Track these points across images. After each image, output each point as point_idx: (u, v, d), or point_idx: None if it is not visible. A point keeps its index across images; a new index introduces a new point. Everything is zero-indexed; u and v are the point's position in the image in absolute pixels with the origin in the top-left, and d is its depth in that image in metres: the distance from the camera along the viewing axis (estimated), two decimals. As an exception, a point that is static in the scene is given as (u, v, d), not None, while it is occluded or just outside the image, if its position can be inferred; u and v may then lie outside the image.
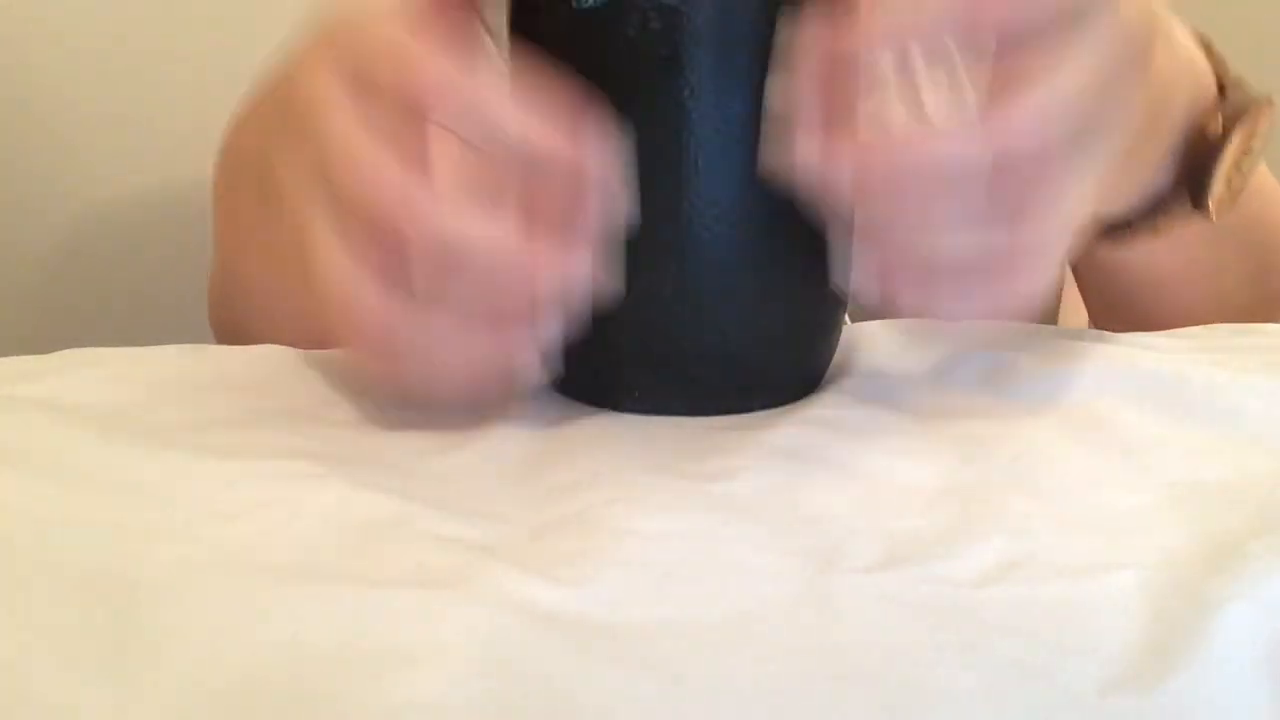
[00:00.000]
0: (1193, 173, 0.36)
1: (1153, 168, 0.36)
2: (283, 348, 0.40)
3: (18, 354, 0.39)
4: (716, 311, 0.32)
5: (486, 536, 0.24)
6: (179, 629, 0.20)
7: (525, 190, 0.27)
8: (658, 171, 0.30)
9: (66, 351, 0.40)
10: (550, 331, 0.29)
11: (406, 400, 0.31)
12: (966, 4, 0.26)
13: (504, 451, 0.30)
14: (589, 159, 0.27)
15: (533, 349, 0.29)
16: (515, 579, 0.22)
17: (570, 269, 0.28)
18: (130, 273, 1.19)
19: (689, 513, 0.26)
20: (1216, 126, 0.36)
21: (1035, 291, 0.28)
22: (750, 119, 0.30)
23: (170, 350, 0.39)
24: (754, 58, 0.29)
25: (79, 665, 0.19)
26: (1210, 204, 0.36)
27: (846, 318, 0.36)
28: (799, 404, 0.34)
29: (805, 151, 0.27)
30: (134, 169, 1.17)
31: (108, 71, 1.15)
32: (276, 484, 0.27)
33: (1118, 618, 0.21)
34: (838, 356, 0.36)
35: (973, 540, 0.24)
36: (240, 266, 0.49)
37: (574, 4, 0.29)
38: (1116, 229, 0.38)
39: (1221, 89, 0.38)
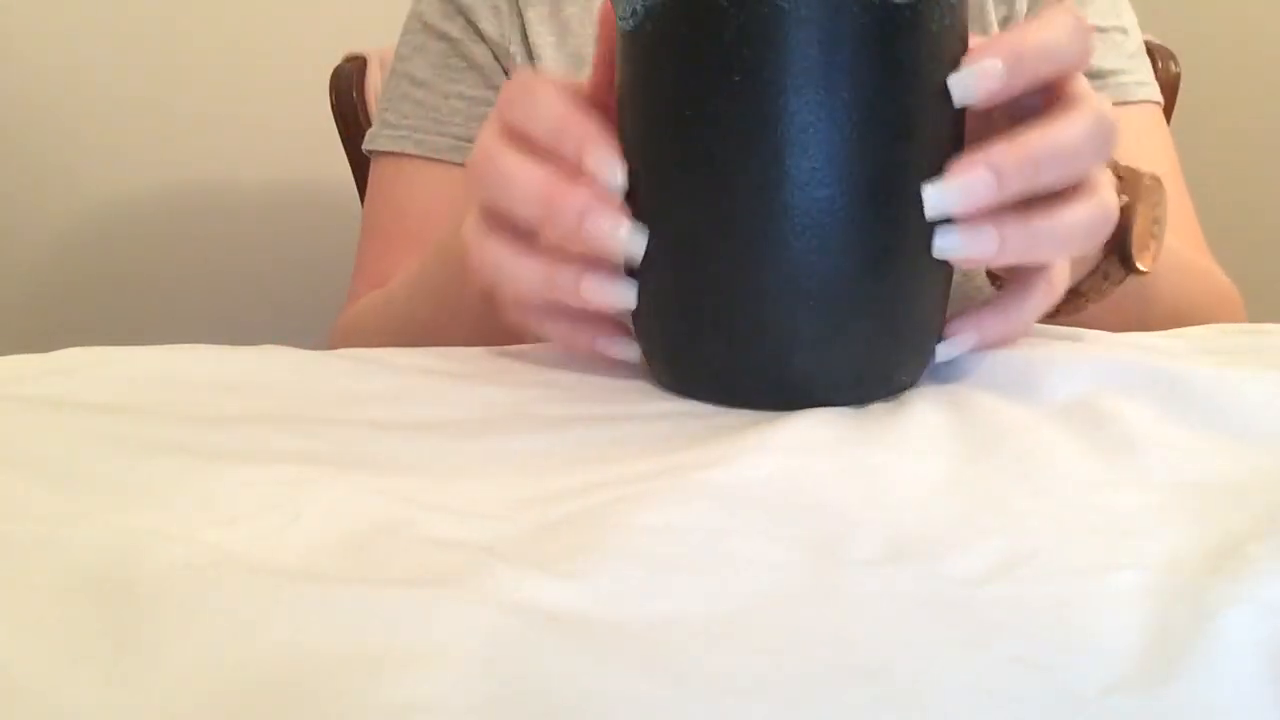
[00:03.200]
0: (1116, 240, 0.44)
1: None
2: (284, 348, 0.40)
3: (19, 353, 0.39)
4: (814, 299, 0.34)
5: (487, 535, 0.24)
6: (180, 629, 0.20)
7: None
8: (753, 163, 0.33)
9: (68, 350, 0.40)
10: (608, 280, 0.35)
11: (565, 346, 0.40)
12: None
13: (508, 452, 0.30)
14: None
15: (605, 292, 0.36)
16: (516, 577, 0.22)
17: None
18: (132, 273, 1.20)
19: (691, 506, 0.26)
20: (1121, 200, 0.43)
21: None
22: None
23: (172, 350, 0.39)
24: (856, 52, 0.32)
25: (79, 665, 0.19)
26: (1141, 261, 0.45)
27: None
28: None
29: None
30: (136, 169, 1.17)
31: (109, 72, 1.15)
32: (278, 485, 0.27)
33: (1119, 617, 0.21)
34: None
35: (975, 538, 0.24)
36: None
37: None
38: (1071, 296, 0.45)
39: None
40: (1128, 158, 0.46)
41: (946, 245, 0.33)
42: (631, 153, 0.35)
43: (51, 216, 1.17)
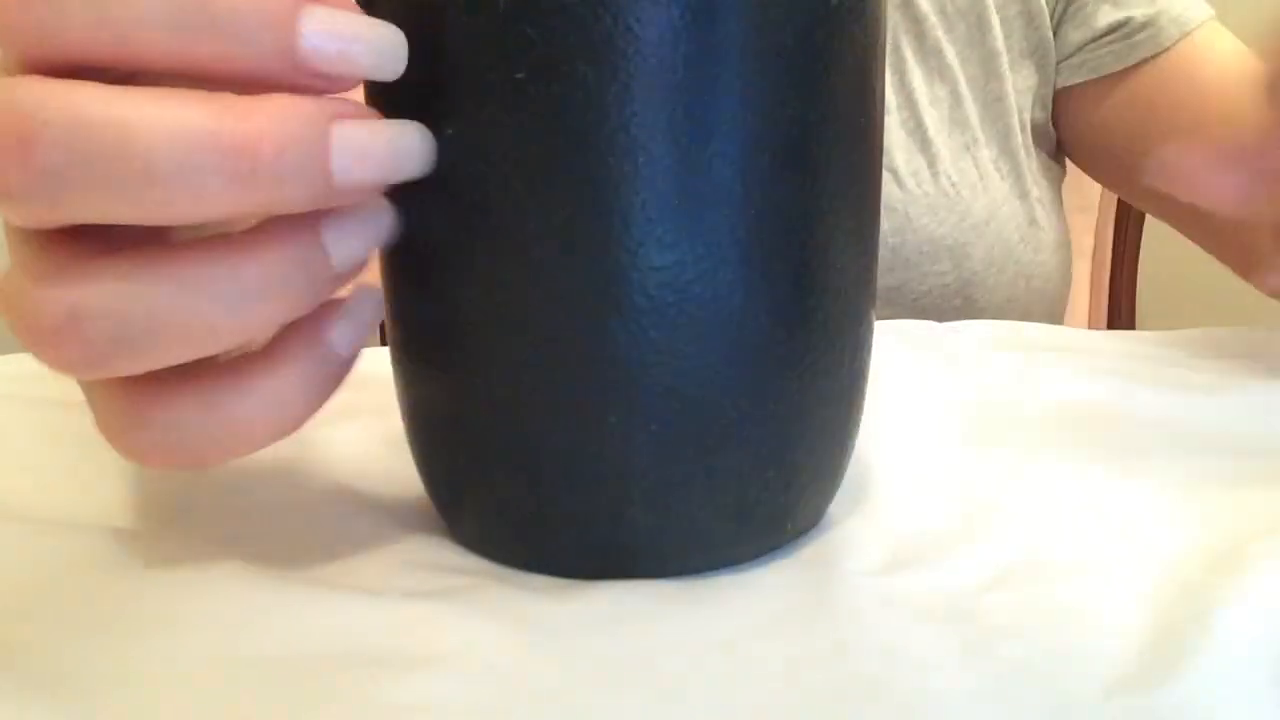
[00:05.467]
0: None
1: None
2: None
3: (21, 351, 0.39)
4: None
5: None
6: (186, 628, 0.20)
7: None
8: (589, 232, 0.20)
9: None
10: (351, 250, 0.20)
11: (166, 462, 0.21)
12: None
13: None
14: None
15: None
16: (515, 595, 0.22)
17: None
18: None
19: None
20: None
21: None
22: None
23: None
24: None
25: (92, 663, 0.19)
26: None
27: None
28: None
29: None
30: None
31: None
32: (285, 488, 0.27)
33: (1121, 619, 0.21)
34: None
35: (975, 543, 0.24)
36: None
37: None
38: None
39: None
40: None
41: None
42: None
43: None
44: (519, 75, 0.20)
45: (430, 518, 0.25)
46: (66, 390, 0.35)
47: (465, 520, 0.24)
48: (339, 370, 0.21)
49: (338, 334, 0.21)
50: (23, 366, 0.38)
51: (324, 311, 0.21)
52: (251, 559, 0.23)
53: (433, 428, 0.22)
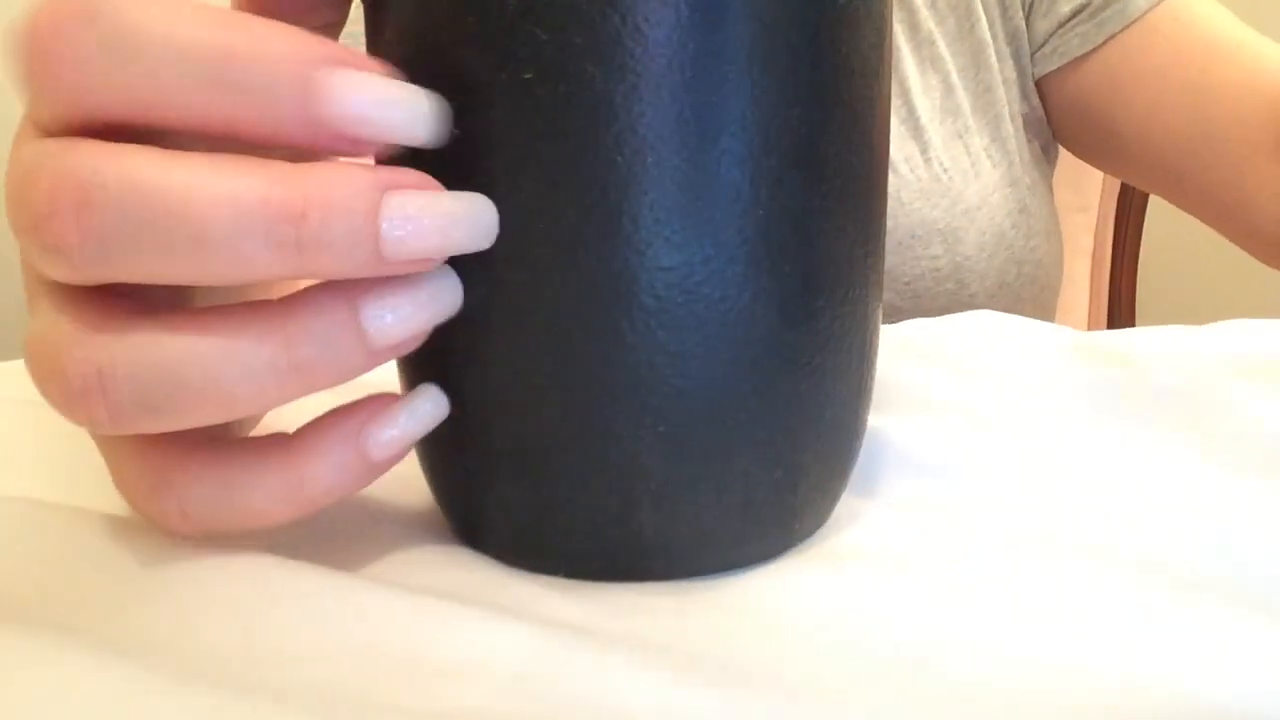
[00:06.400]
0: None
1: None
2: None
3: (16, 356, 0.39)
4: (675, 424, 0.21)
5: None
6: (202, 624, 0.20)
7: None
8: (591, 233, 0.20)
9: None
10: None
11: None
12: None
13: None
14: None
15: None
16: (529, 596, 0.22)
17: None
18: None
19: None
20: None
21: None
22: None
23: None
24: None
25: (89, 648, 0.19)
26: None
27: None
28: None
29: None
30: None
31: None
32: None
33: (1138, 615, 0.21)
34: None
35: (982, 544, 0.24)
36: None
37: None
38: None
39: None
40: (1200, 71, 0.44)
41: None
42: None
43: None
44: (527, 75, 0.20)
45: (436, 518, 0.25)
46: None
47: (471, 521, 0.24)
48: (370, 473, 0.21)
49: (378, 438, 0.21)
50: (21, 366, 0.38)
51: (371, 407, 0.21)
52: (256, 563, 0.23)
53: (440, 429, 0.22)
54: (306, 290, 0.19)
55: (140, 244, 0.17)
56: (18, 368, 0.38)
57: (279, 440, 0.20)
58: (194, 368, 0.18)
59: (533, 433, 0.22)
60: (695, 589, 0.22)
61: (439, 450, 0.24)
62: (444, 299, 0.20)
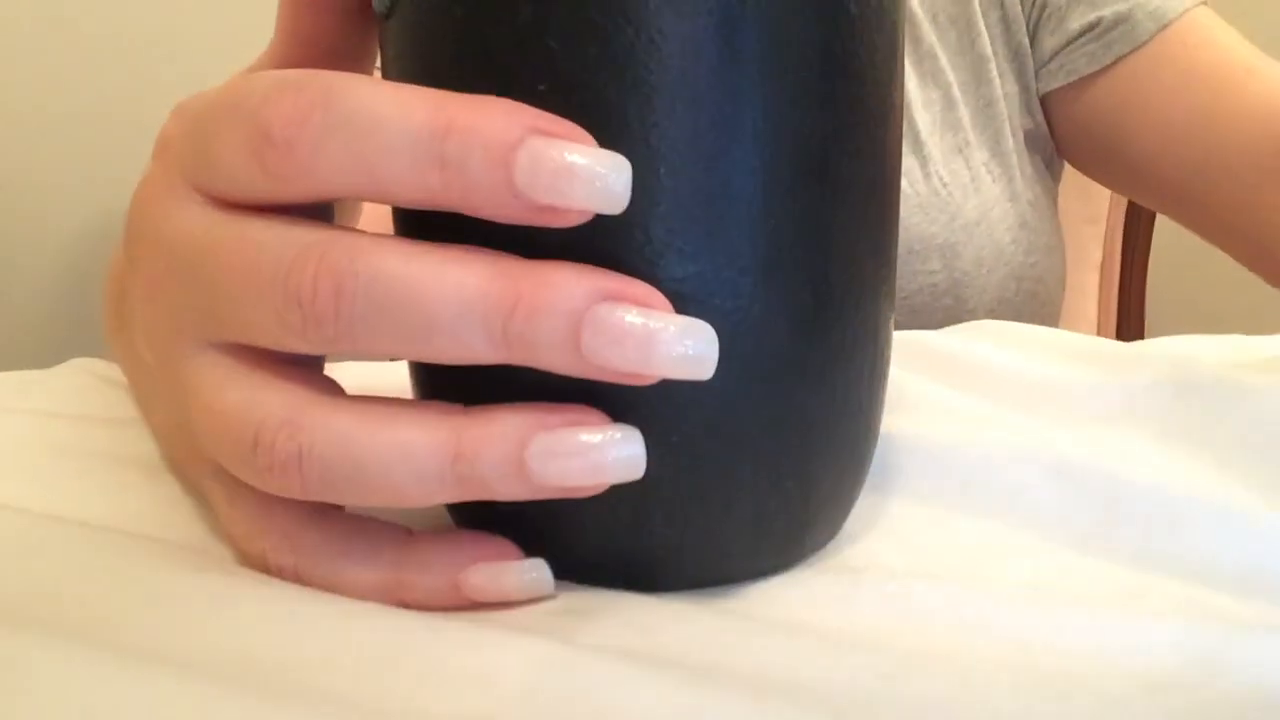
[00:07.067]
0: None
1: None
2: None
3: (25, 362, 0.39)
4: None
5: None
6: (212, 632, 0.20)
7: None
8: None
9: (73, 361, 0.40)
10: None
11: None
12: None
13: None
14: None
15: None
16: (556, 608, 0.22)
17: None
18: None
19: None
20: None
21: None
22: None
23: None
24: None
25: (102, 656, 0.19)
26: None
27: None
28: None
29: None
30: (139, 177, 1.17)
31: (113, 78, 1.14)
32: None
33: (1155, 628, 0.21)
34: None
35: (994, 556, 0.24)
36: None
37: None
38: None
39: None
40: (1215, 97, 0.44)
41: None
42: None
43: (57, 228, 1.17)
44: (541, 87, 0.20)
45: (447, 529, 0.25)
46: (68, 401, 0.35)
47: (483, 531, 0.24)
48: (459, 603, 0.22)
49: (473, 581, 0.22)
50: (26, 378, 0.38)
51: (482, 549, 0.22)
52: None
53: None
54: (489, 410, 0.20)
55: (380, 328, 0.19)
56: (14, 378, 0.38)
57: (395, 535, 0.22)
58: (376, 465, 0.20)
59: None
60: (707, 600, 0.22)
61: None
62: (613, 471, 0.20)
